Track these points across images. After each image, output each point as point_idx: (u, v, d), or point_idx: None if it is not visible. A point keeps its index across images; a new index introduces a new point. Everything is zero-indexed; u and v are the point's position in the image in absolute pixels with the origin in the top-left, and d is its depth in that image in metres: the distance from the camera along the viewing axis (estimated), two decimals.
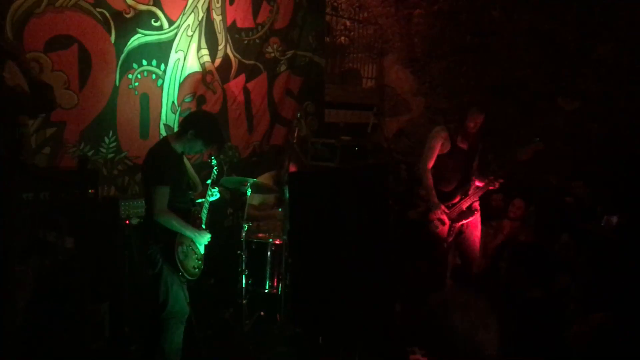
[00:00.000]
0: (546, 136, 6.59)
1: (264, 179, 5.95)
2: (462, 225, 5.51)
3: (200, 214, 4.44)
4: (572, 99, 7.46)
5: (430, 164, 5.46)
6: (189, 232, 4.21)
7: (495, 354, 2.23)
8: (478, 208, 5.56)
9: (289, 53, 7.27)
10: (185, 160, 4.63)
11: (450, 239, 5.49)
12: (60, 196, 4.53)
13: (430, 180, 5.45)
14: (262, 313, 5.41)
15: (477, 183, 5.44)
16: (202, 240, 4.34)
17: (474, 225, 5.55)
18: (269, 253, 5.42)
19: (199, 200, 4.54)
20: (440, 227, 5.42)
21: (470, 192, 5.43)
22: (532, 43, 7.74)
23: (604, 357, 4.12)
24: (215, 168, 4.66)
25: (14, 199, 4.09)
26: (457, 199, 5.46)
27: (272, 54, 7.06)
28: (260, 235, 5.64)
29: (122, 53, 5.53)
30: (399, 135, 9.12)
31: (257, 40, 6.87)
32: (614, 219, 5.28)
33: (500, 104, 7.69)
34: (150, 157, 4.23)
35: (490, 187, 5.43)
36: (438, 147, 5.44)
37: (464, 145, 5.42)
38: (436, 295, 2.41)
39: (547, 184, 7.21)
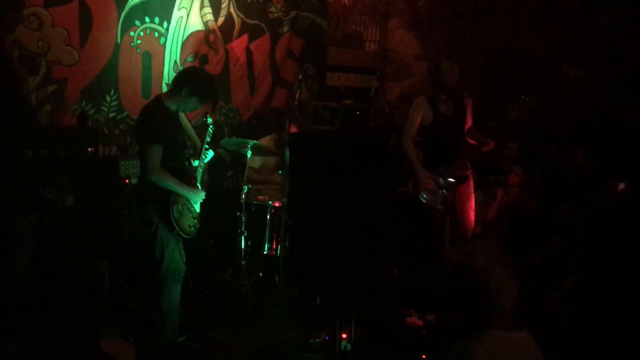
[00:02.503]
0: (549, 103, 6.54)
1: (266, 141, 5.94)
2: (455, 193, 5.44)
3: (195, 172, 4.41)
4: (576, 66, 7.39)
5: (411, 136, 5.41)
6: (183, 190, 4.19)
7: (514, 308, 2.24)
8: (470, 174, 5.50)
9: (292, 13, 7.16)
10: (185, 120, 4.58)
11: (442, 207, 5.40)
12: (60, 154, 4.53)
13: (413, 151, 5.37)
14: (260, 274, 5.45)
15: (470, 142, 5.38)
16: (197, 198, 4.33)
17: (466, 194, 5.47)
18: (268, 215, 5.45)
19: (195, 163, 4.53)
20: (430, 197, 5.32)
21: (461, 157, 5.35)
22: (537, 8, 7.64)
23: (580, 320, 4.16)
24: (211, 127, 4.60)
25: (14, 156, 4.10)
26: (446, 166, 5.36)
27: (276, 14, 6.96)
28: (260, 197, 5.66)
29: (123, 10, 5.47)
30: (401, 100, 9.05)
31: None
32: (621, 186, 5.25)
33: (503, 70, 7.63)
34: (143, 116, 4.17)
35: (483, 149, 5.34)
36: (419, 118, 5.34)
37: (447, 111, 5.33)
38: (464, 245, 2.42)
39: (548, 151, 7.18)
